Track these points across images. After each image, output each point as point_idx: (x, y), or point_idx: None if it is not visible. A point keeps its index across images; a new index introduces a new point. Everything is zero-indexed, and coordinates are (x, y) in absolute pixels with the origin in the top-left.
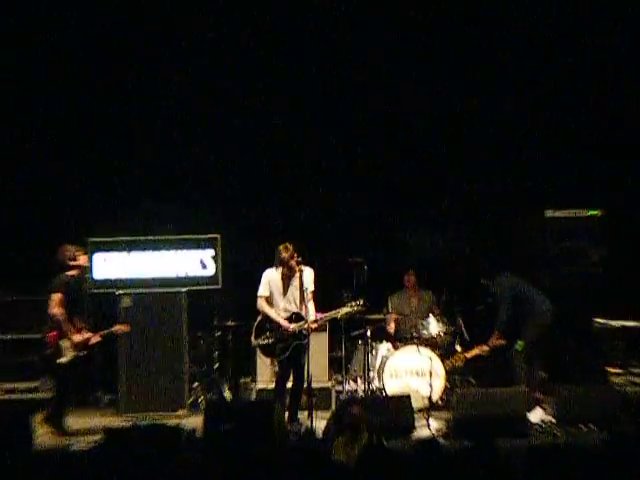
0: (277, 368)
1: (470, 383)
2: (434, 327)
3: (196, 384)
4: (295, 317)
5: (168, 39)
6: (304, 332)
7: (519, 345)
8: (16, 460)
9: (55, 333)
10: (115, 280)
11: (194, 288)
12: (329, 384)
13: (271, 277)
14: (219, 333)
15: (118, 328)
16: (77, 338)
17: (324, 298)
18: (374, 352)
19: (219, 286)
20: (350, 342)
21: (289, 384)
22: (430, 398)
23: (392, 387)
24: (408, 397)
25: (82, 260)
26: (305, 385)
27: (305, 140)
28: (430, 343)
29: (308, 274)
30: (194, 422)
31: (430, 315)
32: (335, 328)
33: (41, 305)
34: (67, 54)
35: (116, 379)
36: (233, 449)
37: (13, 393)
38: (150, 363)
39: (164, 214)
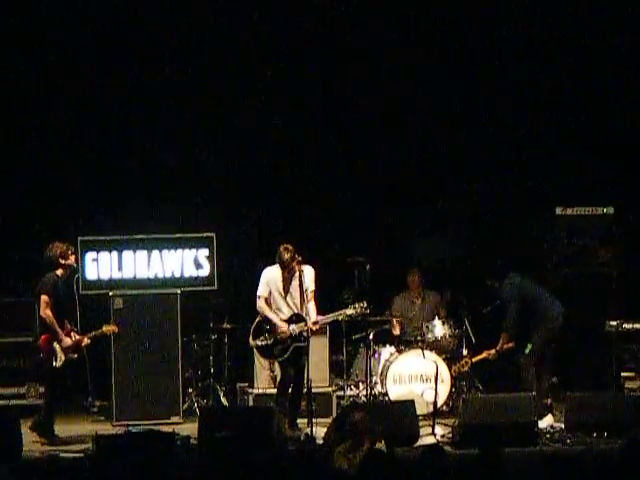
0: (276, 372)
1: (477, 388)
2: (439, 330)
3: (191, 389)
4: (295, 318)
5: (165, 34)
6: (304, 334)
7: (528, 349)
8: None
9: (47, 336)
10: (107, 281)
11: (189, 289)
12: (330, 389)
13: (271, 276)
14: (215, 336)
15: (107, 329)
16: (68, 341)
17: (324, 299)
18: (377, 356)
19: (215, 287)
20: (352, 345)
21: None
22: (435, 404)
23: (395, 392)
24: (412, 403)
25: (72, 260)
26: (305, 390)
27: (305, 140)
28: (435, 347)
29: (308, 273)
30: (189, 429)
31: (435, 317)
32: (336, 331)
33: (25, 307)
34: (67, 53)
35: (107, 384)
36: (230, 456)
37: (0, 399)
38: (143, 367)
39: (158, 213)
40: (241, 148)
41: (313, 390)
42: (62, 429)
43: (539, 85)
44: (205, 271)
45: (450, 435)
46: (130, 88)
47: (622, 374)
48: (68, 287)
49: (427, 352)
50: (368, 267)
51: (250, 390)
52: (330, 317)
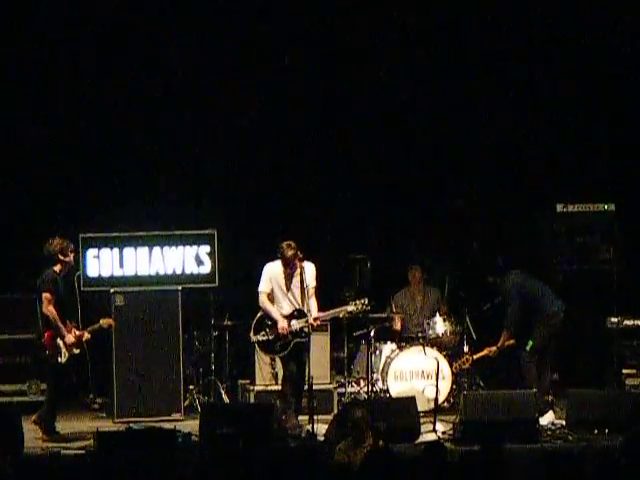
0: (277, 369)
1: (478, 385)
2: (440, 326)
3: (192, 386)
4: (297, 314)
5: (166, 34)
6: (305, 330)
7: (529, 346)
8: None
9: (50, 333)
10: (108, 278)
11: (190, 286)
12: (331, 386)
13: (272, 272)
14: (216, 333)
15: (104, 322)
16: (71, 337)
17: (325, 296)
18: (378, 353)
19: (216, 284)
20: (353, 342)
21: None
22: (436, 400)
23: (397, 389)
24: (413, 399)
25: (70, 257)
26: (306, 386)
27: (305, 140)
28: (436, 343)
29: (309, 270)
30: (190, 425)
31: (436, 314)
32: (337, 328)
33: (25, 304)
34: (67, 53)
35: (108, 381)
36: (231, 453)
37: (1, 396)
38: (144, 364)
39: (160, 210)
40: (241, 148)
41: (314, 387)
42: (63, 426)
43: (539, 84)
44: (206, 268)
45: (451, 432)
46: (130, 88)
47: (623, 371)
48: (68, 284)
49: (428, 349)
50: (369, 264)
51: (251, 387)
52: (331, 313)
